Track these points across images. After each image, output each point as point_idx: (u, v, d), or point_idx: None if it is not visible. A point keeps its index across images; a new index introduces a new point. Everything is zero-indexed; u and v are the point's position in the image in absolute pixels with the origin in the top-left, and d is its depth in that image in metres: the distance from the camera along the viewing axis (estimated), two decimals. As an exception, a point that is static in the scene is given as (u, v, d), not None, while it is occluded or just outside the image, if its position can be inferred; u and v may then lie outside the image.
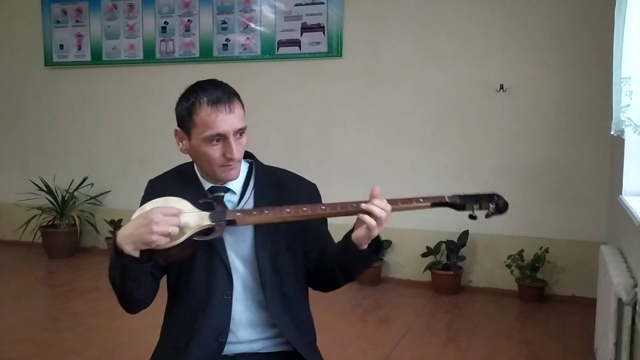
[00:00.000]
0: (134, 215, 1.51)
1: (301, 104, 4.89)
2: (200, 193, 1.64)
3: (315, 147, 4.86)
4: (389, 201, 1.55)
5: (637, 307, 2.33)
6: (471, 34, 4.39)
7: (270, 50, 4.90)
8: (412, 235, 4.54)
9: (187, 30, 5.14)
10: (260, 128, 4.67)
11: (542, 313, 4.00)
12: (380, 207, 1.51)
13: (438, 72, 4.49)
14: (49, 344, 3.43)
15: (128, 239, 1.47)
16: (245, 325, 1.65)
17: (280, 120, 4.89)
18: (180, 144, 1.64)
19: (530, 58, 4.27)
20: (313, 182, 1.77)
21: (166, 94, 5.11)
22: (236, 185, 1.67)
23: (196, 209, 1.55)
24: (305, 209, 1.55)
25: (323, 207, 1.55)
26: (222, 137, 1.56)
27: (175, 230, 1.46)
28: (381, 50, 4.63)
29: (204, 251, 1.61)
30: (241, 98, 1.63)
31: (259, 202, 1.65)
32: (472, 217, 1.59)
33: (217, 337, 1.62)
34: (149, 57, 5.28)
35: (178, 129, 1.63)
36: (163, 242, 1.46)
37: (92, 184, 5.53)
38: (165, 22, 5.20)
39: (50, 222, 5.44)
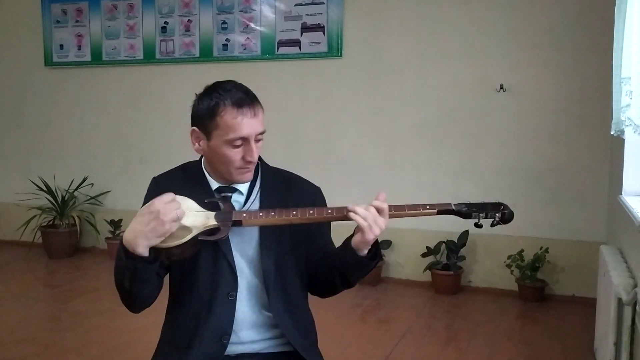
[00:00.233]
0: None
1: (301, 104, 4.89)
2: (208, 192, 1.63)
3: (315, 147, 4.86)
4: (396, 207, 1.55)
5: (637, 307, 2.33)
6: (471, 34, 4.39)
7: (270, 50, 4.90)
8: (412, 235, 4.54)
9: (187, 30, 5.14)
10: (260, 128, 4.66)
11: (542, 313, 4.00)
12: (364, 207, 1.50)
13: (438, 72, 4.49)
14: (49, 344, 3.42)
15: (139, 238, 1.45)
16: (248, 326, 1.65)
17: (280, 120, 4.88)
18: (197, 144, 1.63)
19: (530, 58, 4.27)
20: (317, 185, 1.77)
21: (166, 94, 5.13)
22: (243, 186, 1.67)
23: (202, 209, 1.55)
24: (311, 211, 1.55)
25: (329, 211, 1.55)
26: (244, 141, 1.56)
27: (182, 212, 1.46)
28: (381, 50, 4.63)
29: (209, 251, 1.61)
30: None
31: (264, 203, 1.65)
32: (477, 225, 1.59)
33: (220, 338, 1.62)
34: (149, 57, 5.28)
35: (196, 128, 1.61)
36: (175, 228, 1.45)
37: (92, 184, 5.53)
38: (165, 22, 5.20)
39: (50, 222, 5.44)
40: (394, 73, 4.60)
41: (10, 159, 5.91)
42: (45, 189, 5.42)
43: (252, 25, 4.94)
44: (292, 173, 1.78)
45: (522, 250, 4.21)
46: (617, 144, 3.47)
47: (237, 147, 1.56)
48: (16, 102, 5.82)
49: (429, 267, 4.44)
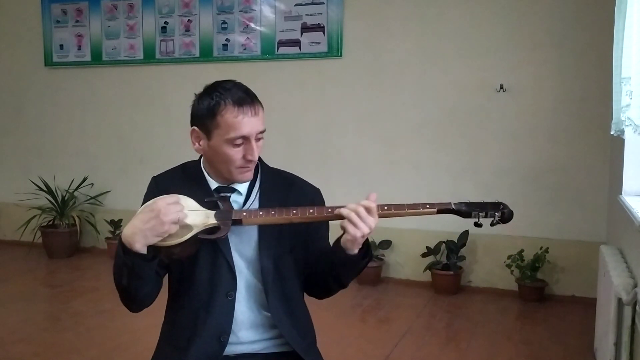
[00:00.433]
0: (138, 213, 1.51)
1: (301, 104, 4.89)
2: (207, 192, 1.63)
3: (315, 147, 4.86)
4: (396, 206, 1.55)
5: (637, 307, 2.33)
6: (471, 34, 4.39)
7: (270, 50, 4.90)
8: (412, 235, 4.54)
9: (187, 30, 5.14)
10: (260, 128, 4.66)
11: (542, 313, 4.00)
12: (349, 208, 1.50)
13: (438, 72, 4.49)
14: (49, 344, 3.42)
15: (137, 236, 1.45)
16: (247, 326, 1.65)
17: (280, 120, 4.88)
18: (197, 143, 1.62)
19: (530, 58, 4.27)
20: (311, 182, 1.77)
21: (166, 94, 5.13)
22: (242, 186, 1.67)
23: (202, 208, 1.55)
24: (311, 210, 1.55)
25: (329, 210, 1.55)
26: (245, 139, 1.56)
27: (183, 215, 1.47)
28: (381, 50, 4.63)
29: (208, 251, 1.61)
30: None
31: (264, 204, 1.65)
32: (477, 224, 1.59)
33: (219, 337, 1.62)
34: (149, 57, 5.28)
35: (196, 128, 1.61)
36: (174, 230, 1.46)
37: (92, 184, 5.53)
38: (165, 22, 5.20)
39: (50, 222, 5.44)
40: (394, 73, 4.60)
41: (10, 159, 5.91)
42: (45, 189, 5.42)
43: (252, 25, 4.94)
44: (291, 174, 1.78)
45: (522, 250, 4.21)
46: (617, 144, 3.47)
47: (238, 146, 1.56)
48: (16, 102, 5.82)
49: (429, 267, 4.44)
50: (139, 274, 1.50)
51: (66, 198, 5.42)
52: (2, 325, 3.72)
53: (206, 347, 1.61)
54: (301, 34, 4.79)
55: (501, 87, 4.32)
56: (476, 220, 1.58)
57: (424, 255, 4.48)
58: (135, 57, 5.33)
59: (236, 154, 1.57)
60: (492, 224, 1.60)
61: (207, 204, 1.57)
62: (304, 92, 4.87)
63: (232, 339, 1.63)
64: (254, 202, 1.66)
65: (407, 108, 4.59)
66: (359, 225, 1.49)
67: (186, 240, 1.49)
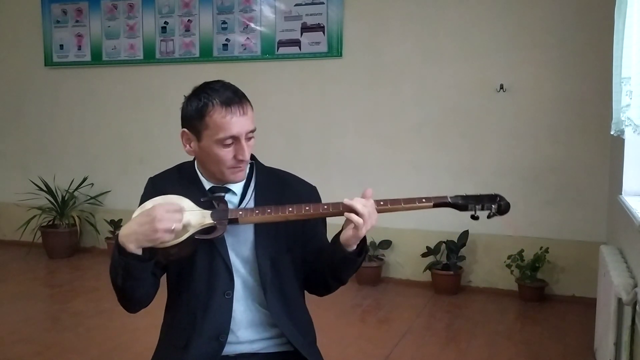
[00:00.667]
0: (135, 214, 1.51)
1: (301, 104, 4.89)
2: (201, 193, 1.63)
3: (315, 147, 4.86)
4: (392, 201, 1.56)
5: (637, 307, 2.33)
6: (471, 34, 4.39)
7: (270, 50, 4.90)
8: (412, 235, 4.54)
9: (187, 30, 5.14)
10: (260, 128, 4.60)
11: (542, 313, 4.00)
12: (362, 203, 1.51)
13: (438, 72, 4.49)
14: (49, 344, 3.42)
15: (131, 237, 1.45)
16: (245, 325, 1.65)
17: (280, 120, 4.89)
18: (187, 145, 1.63)
19: (530, 58, 4.27)
20: (311, 182, 1.77)
21: (166, 94, 5.13)
22: (237, 186, 1.67)
23: (198, 208, 1.55)
24: (307, 208, 1.55)
25: (325, 207, 1.56)
26: (234, 139, 1.56)
27: (179, 226, 1.46)
28: (381, 50, 4.63)
29: (205, 251, 1.61)
30: None
31: (259, 203, 1.65)
32: (474, 217, 1.60)
33: (218, 337, 1.62)
34: (149, 57, 5.28)
35: (186, 130, 1.61)
36: (167, 239, 1.45)
37: (92, 184, 5.53)
38: (165, 22, 5.20)
39: (50, 222, 5.44)
40: (394, 73, 4.60)
41: (10, 159, 5.91)
42: (45, 189, 5.42)
43: (252, 25, 4.94)
44: (287, 172, 1.77)
45: (522, 250, 4.21)
46: (617, 144, 3.47)
47: (228, 146, 1.56)
48: (16, 102, 5.81)
49: (429, 267, 4.44)
50: (134, 274, 1.50)
51: (66, 198, 5.42)
52: (2, 325, 3.72)
53: (205, 346, 1.61)
54: (301, 34, 4.79)
55: (501, 87, 4.32)
56: (473, 213, 1.58)
57: (424, 255, 4.48)
58: (135, 57, 5.33)
59: (227, 154, 1.57)
60: (488, 217, 1.59)
61: (203, 204, 1.57)
62: (304, 92, 4.87)
63: (231, 338, 1.63)
64: (249, 202, 1.66)
65: (407, 108, 4.59)
66: (367, 223, 1.50)
67: (183, 241, 1.49)
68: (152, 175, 1.75)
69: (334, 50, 4.72)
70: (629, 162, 3.07)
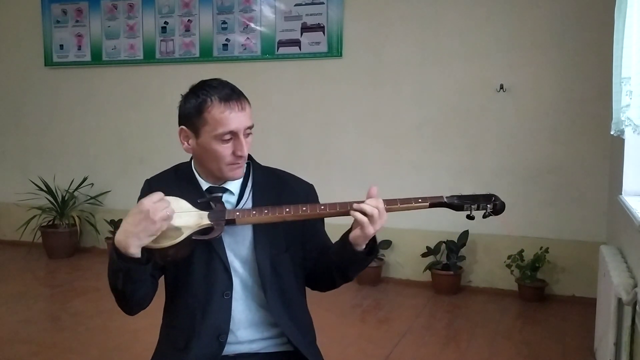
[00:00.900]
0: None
1: (301, 104, 4.89)
2: (198, 193, 1.63)
3: (315, 147, 4.86)
4: (388, 201, 1.56)
5: (637, 307, 2.33)
6: (471, 34, 4.39)
7: (270, 50, 4.90)
8: (412, 235, 4.54)
9: (187, 30, 5.14)
10: (260, 128, 4.61)
11: (542, 313, 4.00)
12: (371, 204, 1.51)
13: (438, 72, 4.49)
14: (49, 344, 3.42)
15: (131, 239, 1.44)
16: (245, 325, 1.65)
17: (280, 120, 4.89)
18: (185, 143, 1.63)
19: (530, 58, 4.27)
20: (311, 182, 1.77)
21: (166, 94, 5.13)
22: (234, 185, 1.67)
23: (195, 209, 1.55)
24: (304, 208, 1.55)
25: (322, 207, 1.56)
26: (233, 135, 1.57)
27: (172, 210, 1.45)
28: (381, 50, 4.63)
29: (202, 251, 1.61)
30: None
31: (257, 203, 1.65)
32: (469, 217, 1.60)
33: (217, 337, 1.62)
34: (149, 57, 5.28)
35: (184, 127, 1.62)
36: (165, 227, 1.45)
37: (92, 184, 5.53)
38: (165, 22, 5.20)
39: (50, 222, 5.44)
40: (394, 73, 4.60)
41: (10, 159, 5.91)
42: (45, 189, 5.42)
43: (252, 25, 4.94)
44: (283, 171, 1.78)
45: (522, 250, 4.21)
46: (617, 144, 3.47)
47: (227, 142, 1.57)
48: (16, 102, 5.82)
49: (429, 267, 4.44)
50: (134, 277, 1.50)
51: (66, 198, 5.42)
52: (2, 325, 3.72)
53: (205, 347, 1.61)
54: (301, 34, 4.79)
55: (501, 87, 4.32)
56: (468, 212, 1.59)
57: (424, 255, 4.48)
58: (135, 57, 5.33)
59: (225, 150, 1.57)
60: (484, 216, 1.60)
61: (200, 205, 1.57)
62: (304, 92, 4.87)
63: (230, 338, 1.63)
64: (247, 202, 1.66)
65: (407, 108, 4.59)
66: (377, 221, 1.50)
67: (180, 242, 1.49)
68: (148, 178, 1.75)
69: (334, 50, 4.72)
70: (629, 162, 3.07)
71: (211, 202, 1.58)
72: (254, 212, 1.55)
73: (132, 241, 1.44)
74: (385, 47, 4.62)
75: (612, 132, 2.92)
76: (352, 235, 1.54)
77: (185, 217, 1.51)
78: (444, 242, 4.42)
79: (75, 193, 5.47)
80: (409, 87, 4.58)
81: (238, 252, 1.64)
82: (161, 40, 5.23)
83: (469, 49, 4.40)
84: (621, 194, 3.07)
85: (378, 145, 4.68)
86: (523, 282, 4.21)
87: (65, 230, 5.37)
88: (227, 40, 5.03)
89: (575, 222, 4.23)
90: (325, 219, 1.67)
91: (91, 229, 5.50)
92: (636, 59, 2.59)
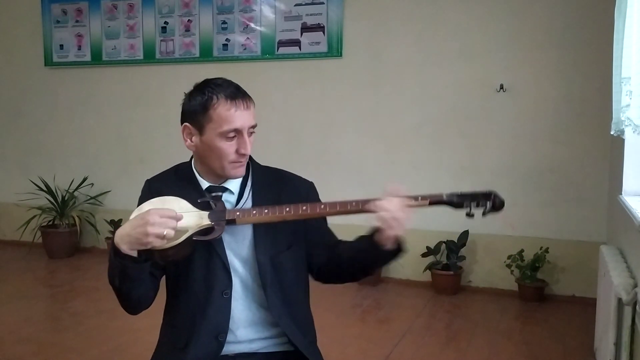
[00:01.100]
0: (132, 216, 1.51)
1: (301, 104, 4.89)
2: (198, 193, 1.63)
3: (315, 147, 4.86)
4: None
5: (637, 307, 2.33)
6: (471, 34, 4.39)
7: (270, 50, 4.90)
8: (412, 235, 4.46)
9: (187, 30, 5.14)
10: (260, 128, 4.60)
11: (542, 313, 4.00)
12: (393, 205, 1.51)
13: (438, 72, 4.49)
14: (49, 344, 3.42)
15: (125, 239, 1.46)
16: (244, 324, 1.65)
17: (280, 120, 4.89)
18: (189, 140, 1.63)
19: (530, 58, 4.27)
20: (310, 180, 1.77)
21: (166, 94, 5.13)
22: (234, 185, 1.67)
23: (195, 209, 1.55)
24: (304, 207, 1.55)
25: (322, 206, 1.56)
26: (237, 133, 1.57)
27: (171, 233, 1.45)
28: (381, 50, 4.63)
29: (202, 250, 1.61)
30: None
31: (257, 202, 1.65)
32: (469, 215, 1.60)
33: (217, 336, 1.62)
34: (149, 57, 5.28)
35: (188, 124, 1.62)
36: (158, 244, 1.45)
37: (92, 184, 5.53)
38: (165, 22, 5.20)
39: (50, 222, 5.44)
40: (394, 73, 4.60)
41: (10, 159, 5.91)
42: (45, 189, 5.42)
43: (252, 25, 4.94)
44: (283, 170, 1.78)
45: (522, 250, 4.21)
46: (617, 144, 3.47)
47: (231, 139, 1.57)
48: (16, 102, 5.82)
49: (429, 267, 4.44)
50: (130, 275, 1.50)
51: (66, 198, 5.42)
52: (2, 325, 3.72)
53: (204, 346, 1.61)
54: (301, 34, 4.79)
55: (501, 87, 4.32)
56: (468, 210, 1.59)
57: (424, 255, 4.48)
58: (135, 57, 5.33)
59: (229, 147, 1.58)
60: (483, 214, 1.60)
61: (201, 205, 1.57)
62: (304, 92, 4.87)
63: (230, 337, 1.63)
64: (247, 201, 1.66)
65: (407, 108, 4.59)
66: (397, 227, 1.51)
67: (181, 243, 1.49)
68: (148, 178, 1.75)
69: (334, 50, 4.72)
70: (629, 162, 3.07)
71: (211, 202, 1.58)
72: (255, 212, 1.55)
73: (125, 242, 1.46)
74: (385, 47, 4.62)
75: (612, 132, 2.92)
76: (380, 236, 1.53)
77: (186, 217, 1.51)
78: (444, 242, 4.42)
79: (75, 193, 5.47)
80: (408, 87, 4.58)
81: (238, 251, 1.64)
82: (161, 40, 5.23)
83: (468, 49, 4.40)
84: (621, 194, 3.07)
85: (378, 145, 4.68)
86: (523, 282, 4.21)
87: (65, 230, 5.37)
88: (227, 40, 5.03)
89: (575, 222, 4.23)
90: (328, 218, 1.67)
91: (91, 229, 5.50)
92: (636, 59, 2.59)
